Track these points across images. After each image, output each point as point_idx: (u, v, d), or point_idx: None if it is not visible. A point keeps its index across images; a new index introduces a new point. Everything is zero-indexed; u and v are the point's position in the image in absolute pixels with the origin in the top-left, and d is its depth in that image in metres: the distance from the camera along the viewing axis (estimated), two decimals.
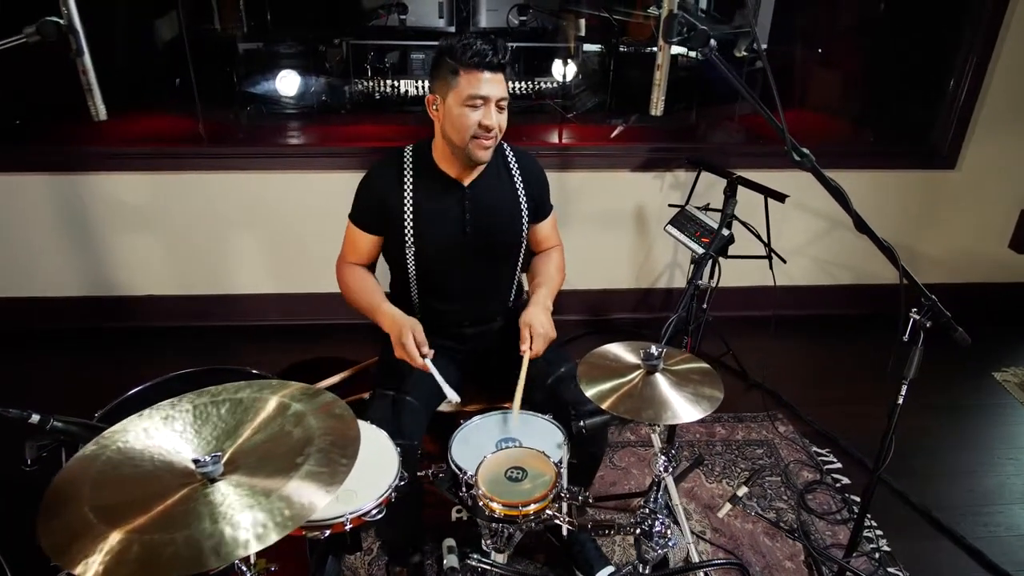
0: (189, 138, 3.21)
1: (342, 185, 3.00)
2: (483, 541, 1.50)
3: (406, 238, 1.83)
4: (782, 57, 4.02)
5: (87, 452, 1.11)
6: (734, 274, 2.99)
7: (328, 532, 1.33)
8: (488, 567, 1.43)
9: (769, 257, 2.67)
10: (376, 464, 1.47)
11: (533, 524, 1.42)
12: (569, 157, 3.17)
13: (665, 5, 1.33)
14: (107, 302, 3.23)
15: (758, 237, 2.65)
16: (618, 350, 1.53)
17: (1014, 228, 3.52)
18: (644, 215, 3.28)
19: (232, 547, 0.95)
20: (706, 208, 2.71)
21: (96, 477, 1.06)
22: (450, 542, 1.50)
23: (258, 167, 3.05)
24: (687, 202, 2.82)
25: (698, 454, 2.56)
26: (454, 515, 2.03)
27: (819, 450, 2.61)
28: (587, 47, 3.90)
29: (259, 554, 1.30)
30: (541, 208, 2.02)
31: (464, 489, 1.48)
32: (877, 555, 2.14)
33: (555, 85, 3.77)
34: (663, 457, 1.43)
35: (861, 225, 1.43)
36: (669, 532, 1.48)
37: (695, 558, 1.41)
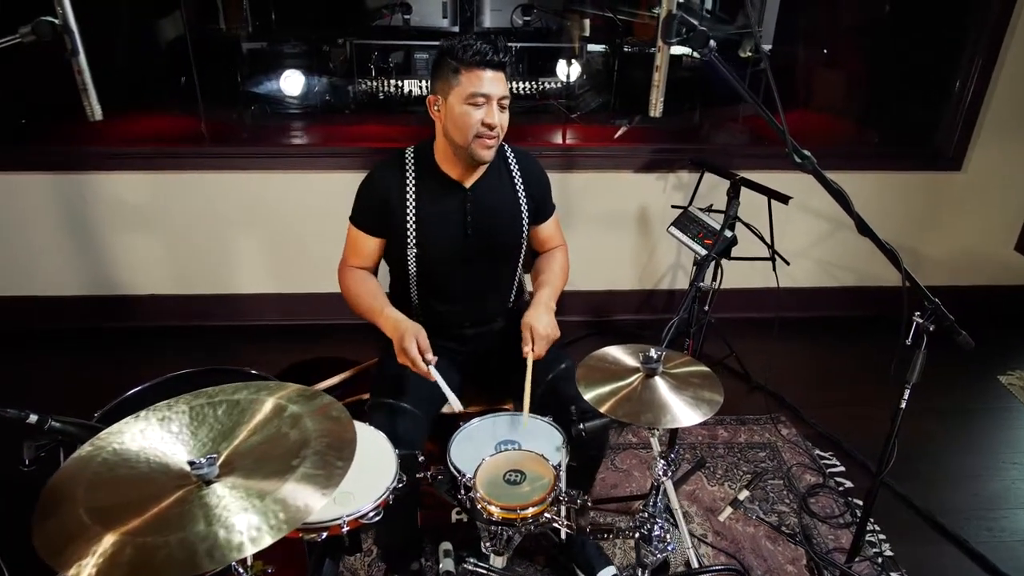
0: (191, 138, 3.21)
1: (344, 185, 2.99)
2: (482, 543, 1.50)
3: (408, 240, 1.83)
4: (786, 57, 4.01)
5: (83, 453, 1.10)
6: (737, 276, 2.97)
7: (325, 534, 1.32)
8: (484, 571, 1.42)
9: (772, 259, 2.66)
10: (374, 466, 1.46)
11: (532, 527, 1.41)
12: (572, 158, 3.16)
13: (664, 5, 1.32)
14: (108, 302, 3.24)
15: (761, 239, 2.63)
16: (617, 353, 1.52)
17: (1020, 230, 3.50)
18: (647, 216, 3.27)
19: (226, 550, 0.94)
20: (709, 209, 2.70)
21: (91, 479, 1.06)
22: (446, 546, 1.49)
23: (260, 167, 3.05)
24: (690, 203, 2.81)
25: (700, 457, 2.55)
26: (454, 517, 2.02)
27: (822, 453, 2.59)
28: (591, 47, 3.89)
29: (256, 555, 1.29)
30: (542, 209, 2.02)
31: (463, 491, 1.47)
32: (880, 560, 2.13)
33: (559, 85, 3.76)
34: (662, 461, 1.42)
35: (863, 228, 1.41)
36: (668, 536, 1.47)
37: (694, 563, 1.40)
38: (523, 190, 1.93)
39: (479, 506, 1.40)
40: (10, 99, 3.10)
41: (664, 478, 1.41)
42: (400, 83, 3.68)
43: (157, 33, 3.68)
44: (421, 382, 1.74)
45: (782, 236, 2.69)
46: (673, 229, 2.65)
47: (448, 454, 1.57)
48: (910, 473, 2.44)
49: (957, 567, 2.15)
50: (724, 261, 2.56)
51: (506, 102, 1.74)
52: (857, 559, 1.92)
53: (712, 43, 1.18)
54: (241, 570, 1.19)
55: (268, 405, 1.22)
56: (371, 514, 1.36)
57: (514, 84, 3.65)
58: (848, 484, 2.44)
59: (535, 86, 3.75)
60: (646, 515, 1.47)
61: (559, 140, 3.40)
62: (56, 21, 1.23)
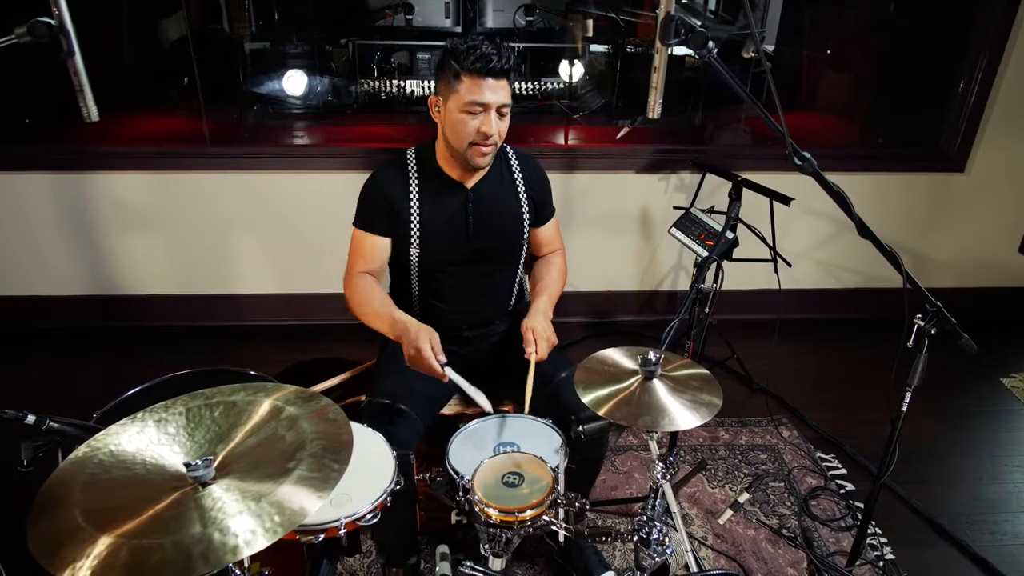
0: (194, 138, 3.21)
1: (346, 186, 3.00)
2: (481, 545, 1.49)
3: (411, 240, 1.83)
4: (790, 58, 3.99)
5: (79, 455, 1.10)
6: (739, 277, 2.97)
7: (322, 536, 1.32)
8: (481, 575, 1.41)
9: (774, 260, 2.65)
10: (372, 468, 1.46)
11: (530, 530, 1.41)
12: (574, 159, 3.16)
13: (662, 7, 1.31)
14: (109, 301, 3.25)
15: (763, 240, 2.62)
16: (616, 355, 1.52)
17: None
18: (649, 217, 3.26)
19: (220, 553, 0.94)
20: (711, 211, 2.69)
21: (87, 480, 1.06)
22: (443, 549, 1.48)
23: (261, 167, 3.05)
24: (692, 204, 2.80)
25: (701, 459, 2.54)
26: (453, 518, 2.01)
27: (823, 455, 2.58)
28: (594, 48, 3.89)
29: (254, 557, 1.29)
30: (543, 211, 2.02)
31: (461, 493, 1.47)
32: (881, 563, 2.12)
33: (561, 86, 3.76)
34: (661, 464, 1.41)
35: (864, 230, 1.41)
36: (667, 540, 1.46)
37: (693, 566, 1.40)
38: (524, 192, 1.93)
39: (477, 508, 1.40)
40: (13, 99, 3.10)
41: (662, 481, 1.41)
42: (402, 83, 3.68)
43: (160, 33, 3.69)
44: (420, 385, 1.74)
45: (784, 237, 2.68)
46: (674, 230, 2.65)
47: (447, 456, 1.57)
48: (912, 476, 2.44)
49: (959, 571, 2.14)
50: (726, 263, 2.55)
51: (506, 109, 1.73)
52: (858, 562, 1.90)
53: (711, 44, 1.17)
54: (238, 572, 1.19)
55: (265, 407, 1.21)
56: (368, 516, 1.36)
57: (516, 85, 3.64)
58: (849, 487, 2.43)
59: (537, 87, 3.74)
60: (644, 518, 1.47)
61: (561, 141, 3.39)
62: (52, 22, 1.24)
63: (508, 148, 1.94)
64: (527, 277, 2.17)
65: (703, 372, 1.49)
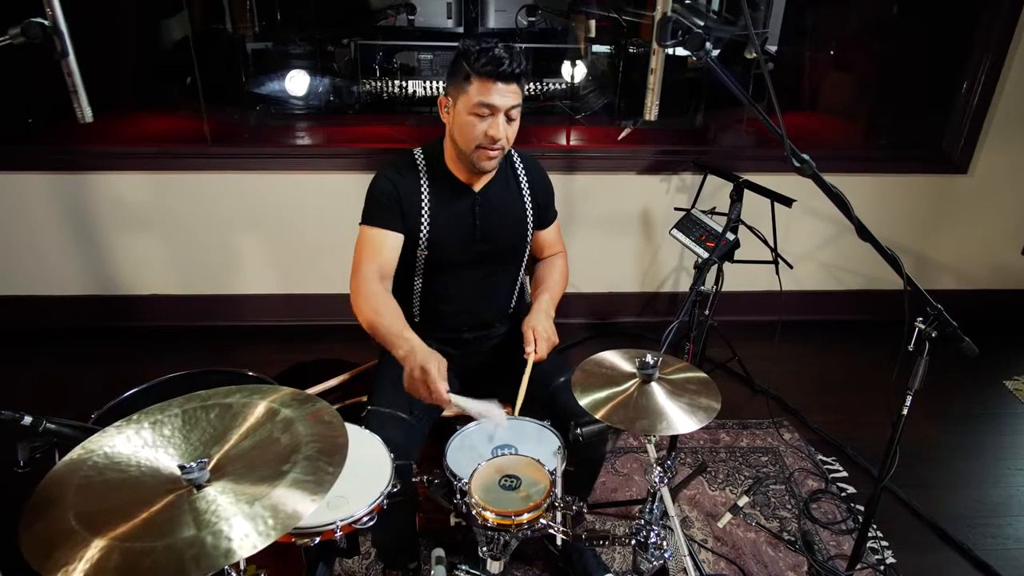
0: (195, 138, 3.22)
1: (347, 186, 3.01)
2: (479, 548, 1.49)
3: (420, 241, 1.81)
4: (793, 59, 3.98)
5: (73, 457, 1.10)
6: (740, 279, 2.96)
7: (318, 539, 1.32)
8: None
9: (776, 262, 2.64)
10: (369, 470, 1.45)
11: (527, 533, 1.40)
12: (576, 159, 3.15)
13: (658, 7, 1.30)
14: (110, 302, 3.25)
15: (764, 242, 2.61)
16: (614, 358, 1.51)
17: None
18: (650, 218, 3.26)
19: (213, 557, 0.93)
20: (712, 212, 2.68)
21: (81, 482, 1.05)
22: (439, 552, 1.48)
23: (262, 167, 3.05)
24: (693, 206, 2.79)
25: (701, 461, 2.53)
26: (453, 520, 2.01)
27: (825, 458, 2.57)
28: (596, 48, 3.88)
29: (250, 559, 1.29)
30: (546, 214, 2.01)
31: (458, 496, 1.47)
32: (882, 567, 2.11)
33: (564, 86, 3.75)
34: (658, 468, 1.40)
35: (863, 232, 1.40)
36: (665, 544, 1.45)
37: (691, 570, 1.39)
38: (529, 195, 1.93)
39: (474, 512, 1.39)
40: (14, 99, 3.11)
41: (660, 485, 1.40)
42: (404, 84, 3.68)
43: (163, 33, 3.69)
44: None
45: (785, 239, 2.67)
46: (675, 232, 2.64)
47: (444, 458, 1.57)
48: (914, 479, 2.43)
49: (960, 575, 2.13)
50: (728, 264, 2.54)
51: (516, 112, 1.71)
52: (859, 566, 1.89)
53: (708, 45, 1.16)
54: (234, 574, 1.19)
55: (260, 409, 1.21)
56: (365, 519, 1.35)
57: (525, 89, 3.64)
58: (851, 489, 2.42)
59: (539, 87, 3.74)
60: (642, 522, 1.46)
61: (563, 141, 3.39)
62: (46, 23, 1.23)
63: (513, 151, 1.93)
64: (528, 279, 2.17)
65: (701, 375, 1.48)
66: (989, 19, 3.05)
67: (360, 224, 1.81)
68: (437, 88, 3.68)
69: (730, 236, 2.41)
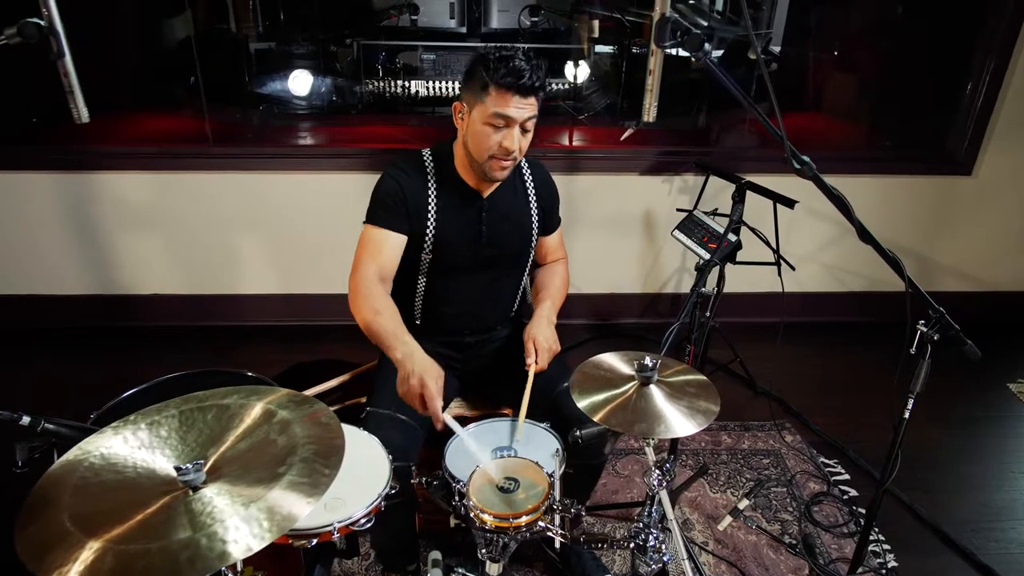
0: (197, 138, 3.22)
1: (349, 186, 3.01)
2: (478, 550, 1.48)
3: (425, 244, 1.79)
4: (797, 59, 3.97)
5: (69, 458, 1.10)
6: (742, 280, 2.94)
7: (315, 541, 1.31)
8: None
9: (778, 263, 2.63)
10: (367, 472, 1.45)
11: (526, 535, 1.39)
12: (578, 160, 3.15)
13: (657, 8, 1.30)
14: (111, 301, 3.25)
15: (766, 243, 2.60)
16: (613, 360, 1.50)
17: None
18: (652, 219, 3.25)
19: (207, 559, 0.93)
20: (714, 213, 2.67)
21: (77, 484, 1.05)
22: (435, 555, 1.47)
23: (264, 167, 3.05)
24: (695, 207, 2.78)
25: (703, 463, 2.52)
26: (452, 521, 2.01)
27: (827, 461, 2.56)
28: (599, 48, 3.87)
29: (247, 561, 1.28)
30: (550, 220, 2.00)
31: (457, 498, 1.46)
32: (884, 571, 2.10)
33: (567, 87, 3.74)
34: (657, 471, 1.40)
35: (864, 235, 1.39)
36: (664, 547, 1.45)
37: (689, 574, 1.38)
38: (535, 201, 1.92)
39: (472, 514, 1.39)
40: (15, 98, 3.11)
41: (659, 488, 1.39)
42: (407, 84, 3.68)
43: (166, 33, 3.70)
44: None
45: (788, 240, 2.66)
46: (677, 233, 2.63)
47: (443, 460, 1.56)
48: (916, 482, 2.41)
49: None
50: (729, 265, 2.53)
51: (531, 123, 1.69)
52: (860, 570, 1.88)
53: (707, 46, 1.15)
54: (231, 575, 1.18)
55: (257, 410, 1.20)
56: (362, 521, 1.35)
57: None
58: (853, 492, 2.40)
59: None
60: (641, 525, 1.45)
61: (566, 142, 3.38)
62: (41, 23, 1.23)
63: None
64: (529, 283, 2.16)
65: (700, 378, 1.47)
66: (994, 20, 3.04)
67: (364, 223, 1.80)
68: (439, 88, 3.67)
69: (732, 237, 2.40)
